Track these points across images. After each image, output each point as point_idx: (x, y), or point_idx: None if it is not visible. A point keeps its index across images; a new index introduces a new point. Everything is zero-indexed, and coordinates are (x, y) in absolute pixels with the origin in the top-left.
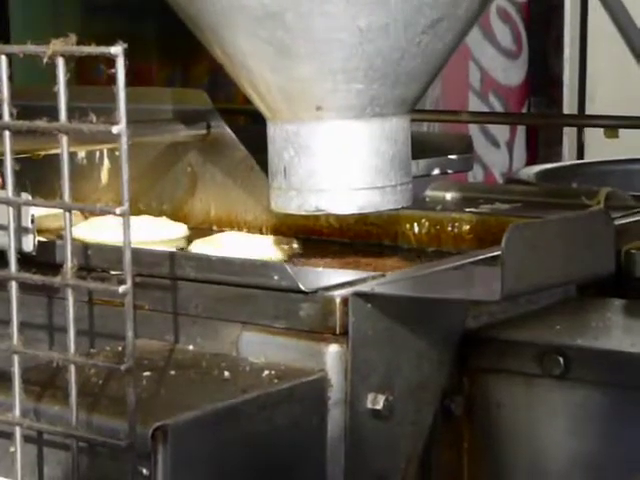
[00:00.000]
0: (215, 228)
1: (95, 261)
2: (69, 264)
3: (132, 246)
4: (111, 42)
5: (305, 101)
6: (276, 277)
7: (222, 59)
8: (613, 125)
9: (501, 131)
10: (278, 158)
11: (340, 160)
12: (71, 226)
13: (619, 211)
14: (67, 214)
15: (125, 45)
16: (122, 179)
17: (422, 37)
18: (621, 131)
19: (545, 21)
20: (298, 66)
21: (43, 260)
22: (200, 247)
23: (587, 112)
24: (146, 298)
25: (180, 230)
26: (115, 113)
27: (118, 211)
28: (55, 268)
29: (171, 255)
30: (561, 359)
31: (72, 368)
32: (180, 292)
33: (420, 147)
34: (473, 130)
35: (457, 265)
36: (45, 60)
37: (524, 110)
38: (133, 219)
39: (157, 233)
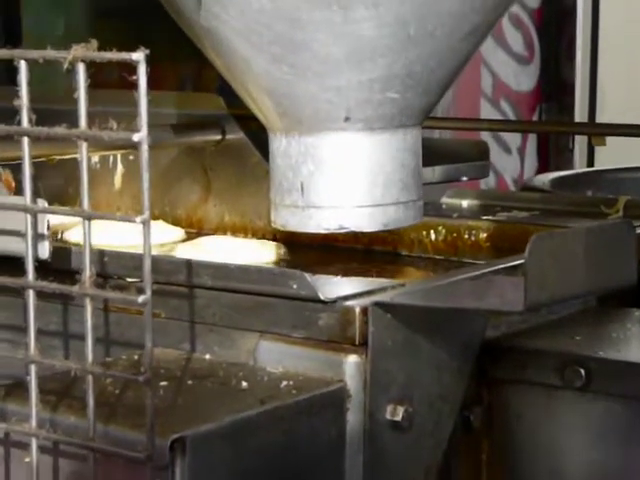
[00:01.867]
0: (229, 234)
1: (111, 268)
2: (88, 273)
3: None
4: (123, 46)
5: (333, 111)
6: (295, 286)
7: (224, 66)
8: (619, 133)
9: (513, 137)
10: (293, 173)
11: (365, 174)
12: (90, 234)
13: (638, 220)
14: (87, 223)
15: (147, 51)
16: (142, 187)
17: (461, 44)
18: (632, 143)
19: (557, 27)
20: (335, 74)
21: (58, 267)
22: (184, 251)
23: (597, 118)
24: (162, 306)
25: (176, 234)
26: (136, 120)
27: (139, 220)
28: (70, 275)
29: (188, 263)
30: (582, 371)
31: (90, 378)
32: (197, 300)
33: (436, 154)
34: (485, 136)
35: (477, 274)
36: (66, 66)
37: (535, 116)
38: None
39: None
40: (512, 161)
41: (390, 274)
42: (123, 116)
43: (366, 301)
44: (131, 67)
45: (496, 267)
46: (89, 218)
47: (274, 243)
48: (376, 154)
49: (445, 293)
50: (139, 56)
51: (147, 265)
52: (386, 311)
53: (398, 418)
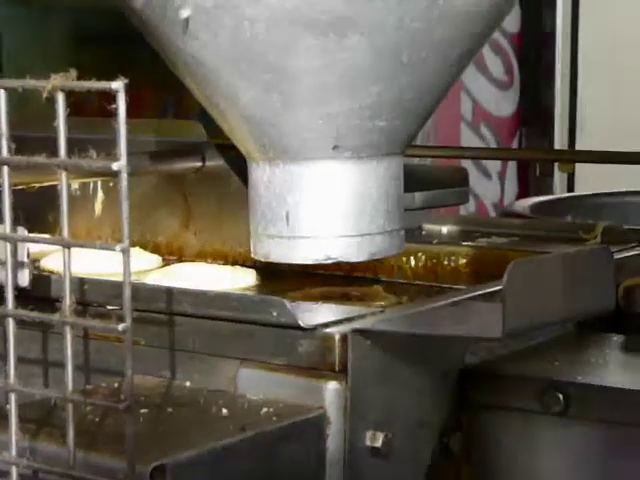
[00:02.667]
0: (210, 261)
1: (91, 296)
2: (68, 301)
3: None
4: (104, 72)
5: (322, 140)
6: (275, 313)
7: (206, 96)
8: (595, 160)
9: (493, 162)
10: (277, 203)
11: (352, 203)
12: (70, 263)
13: (616, 245)
14: (66, 251)
15: (126, 80)
16: (122, 216)
17: (450, 70)
18: (611, 169)
19: (536, 52)
20: (327, 101)
21: (38, 295)
22: (154, 279)
23: (577, 142)
24: (142, 334)
25: (152, 261)
26: (115, 149)
27: (118, 248)
28: (50, 302)
29: (168, 290)
30: (561, 396)
31: (70, 407)
32: (177, 328)
33: (416, 180)
34: (465, 161)
35: (456, 300)
36: (45, 95)
37: (515, 141)
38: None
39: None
40: (492, 186)
41: (370, 300)
42: (103, 144)
43: (346, 328)
44: (110, 95)
45: (475, 293)
46: (69, 246)
47: (248, 269)
48: (363, 183)
49: (424, 320)
50: (118, 85)
51: (127, 293)
52: (366, 338)
53: (378, 444)
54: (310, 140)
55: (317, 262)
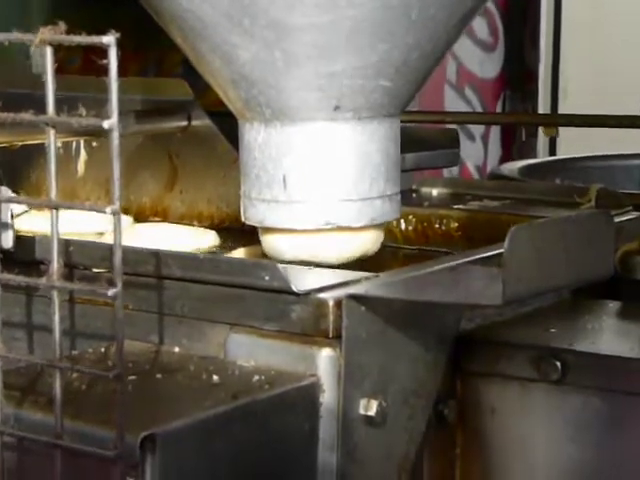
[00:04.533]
0: (196, 223)
1: (77, 258)
2: (55, 265)
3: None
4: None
5: (323, 100)
6: (267, 277)
7: (200, 54)
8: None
9: (476, 125)
10: (273, 165)
11: (353, 167)
12: (57, 224)
13: (611, 209)
14: (54, 212)
15: (118, 35)
16: (113, 176)
17: (454, 29)
18: (594, 131)
19: (522, 14)
20: (331, 59)
21: (22, 257)
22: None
23: (560, 104)
24: (130, 298)
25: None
26: (106, 106)
27: (109, 210)
28: (34, 265)
29: (156, 253)
30: (558, 363)
31: (57, 374)
32: (165, 291)
33: (406, 141)
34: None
35: (453, 265)
36: (32, 48)
37: (499, 103)
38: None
39: (94, 225)
40: (476, 149)
41: (361, 264)
42: (88, 102)
43: (340, 293)
44: (98, 51)
45: (471, 258)
46: (56, 207)
47: (208, 231)
48: (364, 145)
49: (421, 285)
50: (109, 40)
51: (117, 257)
52: (360, 303)
53: (372, 413)
54: (311, 100)
55: (316, 228)
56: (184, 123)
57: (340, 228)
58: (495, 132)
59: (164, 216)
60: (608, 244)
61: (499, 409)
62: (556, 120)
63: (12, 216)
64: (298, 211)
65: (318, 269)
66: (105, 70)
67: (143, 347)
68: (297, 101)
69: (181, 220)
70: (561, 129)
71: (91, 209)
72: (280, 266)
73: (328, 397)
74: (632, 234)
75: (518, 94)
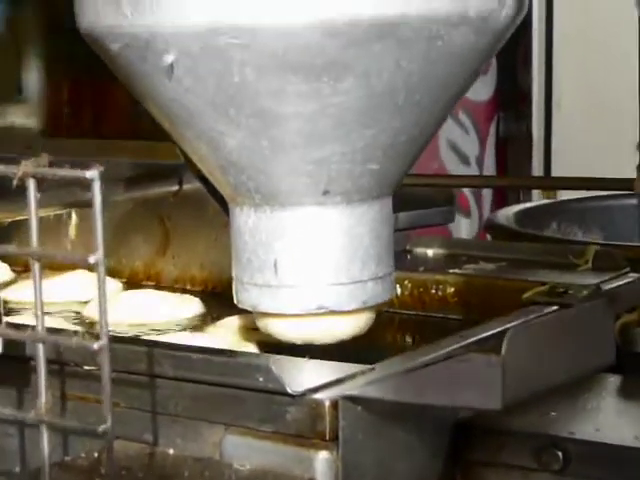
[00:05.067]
0: (189, 287)
1: (68, 355)
2: (43, 398)
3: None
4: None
5: (312, 185)
6: (261, 378)
7: (189, 141)
8: (576, 187)
9: (471, 147)
10: (264, 250)
11: (343, 250)
12: (40, 276)
13: (608, 272)
14: (36, 265)
15: (102, 168)
16: (95, 227)
17: (442, 111)
18: (589, 147)
19: (513, 36)
20: (318, 146)
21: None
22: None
23: (554, 117)
24: (121, 395)
25: (111, 287)
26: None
27: (92, 259)
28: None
29: (149, 352)
30: (560, 453)
31: None
32: (158, 390)
33: (399, 200)
34: (442, 145)
35: (449, 352)
36: (15, 183)
37: (493, 125)
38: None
39: (82, 292)
40: (470, 172)
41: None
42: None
43: (336, 393)
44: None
45: (468, 341)
46: (39, 258)
47: (193, 298)
48: (354, 228)
49: (418, 384)
50: (93, 174)
51: (102, 307)
52: (356, 403)
53: None
54: (299, 185)
55: (307, 312)
56: (175, 187)
57: (332, 312)
58: (490, 153)
59: (157, 280)
60: (608, 333)
61: None
62: (552, 183)
63: (0, 320)
64: (290, 296)
65: (312, 363)
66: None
67: (137, 449)
68: (286, 186)
69: (175, 284)
70: (555, 146)
71: (74, 259)
72: (274, 367)
73: None
74: (630, 299)
75: (512, 115)
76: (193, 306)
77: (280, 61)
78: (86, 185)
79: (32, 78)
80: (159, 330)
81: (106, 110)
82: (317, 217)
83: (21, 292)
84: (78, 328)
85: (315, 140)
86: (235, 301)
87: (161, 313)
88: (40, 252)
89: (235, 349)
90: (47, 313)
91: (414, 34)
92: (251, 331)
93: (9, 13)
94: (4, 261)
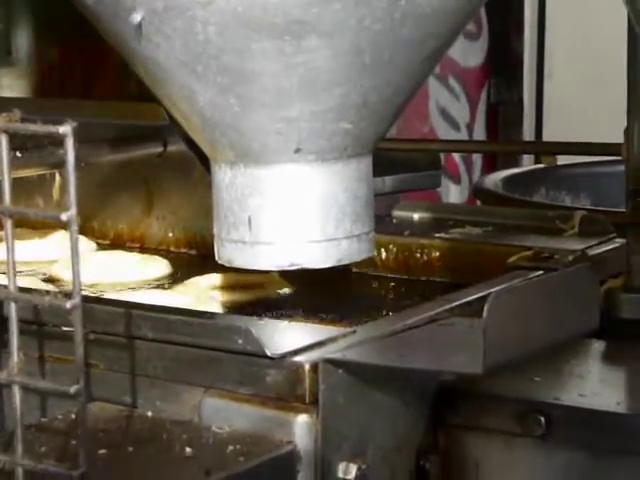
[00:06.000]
0: (173, 249)
1: (46, 316)
2: (15, 359)
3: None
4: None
5: (283, 143)
6: (240, 340)
7: (166, 96)
8: (565, 152)
9: (461, 113)
10: (239, 207)
11: (317, 208)
12: (12, 234)
13: (594, 237)
14: (9, 222)
15: (75, 124)
16: (68, 184)
17: (418, 69)
18: (580, 113)
19: (506, 2)
20: (287, 105)
21: None
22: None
23: (545, 89)
24: (101, 357)
25: (84, 247)
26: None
27: (64, 216)
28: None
29: (127, 313)
30: (542, 419)
31: (20, 471)
32: (137, 352)
33: (386, 164)
34: (432, 111)
35: (433, 316)
36: None
37: (484, 91)
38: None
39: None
40: (461, 138)
41: (339, 297)
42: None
43: (316, 355)
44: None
45: (452, 304)
46: (11, 215)
47: (161, 259)
48: (328, 186)
49: (399, 348)
50: (66, 129)
51: (75, 266)
52: (337, 367)
53: (351, 477)
54: (271, 143)
55: (281, 268)
56: (160, 149)
57: None
58: (480, 119)
59: (141, 242)
60: (592, 299)
61: (483, 464)
62: (540, 148)
63: None
64: (263, 252)
65: (293, 325)
66: None
67: (115, 412)
68: (258, 144)
69: (159, 246)
70: (547, 107)
71: (46, 216)
72: (253, 329)
73: (305, 463)
74: (615, 265)
75: (503, 81)
76: (161, 266)
77: (242, 20)
78: (60, 142)
79: (22, 41)
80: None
81: (95, 71)
82: (290, 175)
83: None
84: (46, 286)
85: (283, 98)
86: (216, 257)
87: (129, 273)
88: (12, 209)
89: (198, 308)
90: (18, 272)
91: None
92: (212, 291)
93: None
94: None
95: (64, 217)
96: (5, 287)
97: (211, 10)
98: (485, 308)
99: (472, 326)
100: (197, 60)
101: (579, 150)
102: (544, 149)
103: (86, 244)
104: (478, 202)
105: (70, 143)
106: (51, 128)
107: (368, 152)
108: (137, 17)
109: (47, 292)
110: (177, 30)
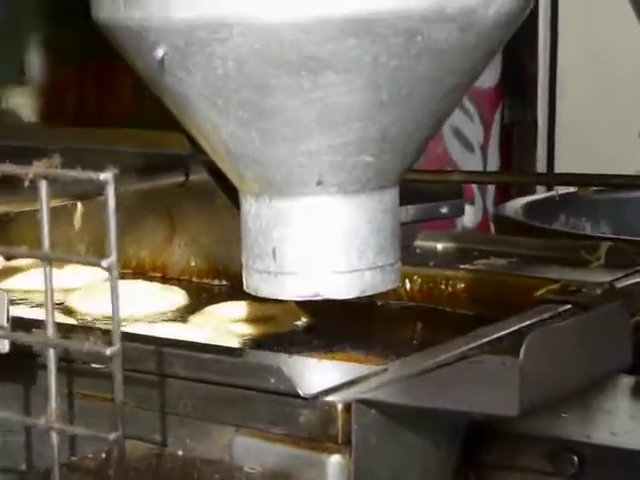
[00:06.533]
0: (195, 279)
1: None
2: (53, 404)
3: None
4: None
5: (305, 176)
6: (272, 380)
7: (192, 127)
8: (580, 183)
9: (475, 134)
10: (264, 238)
11: (340, 239)
12: (51, 278)
13: (622, 269)
14: (47, 268)
15: (116, 171)
16: (109, 230)
17: (438, 105)
18: (593, 135)
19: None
20: (307, 139)
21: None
22: (82, 294)
23: (558, 107)
24: (130, 395)
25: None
26: (105, 243)
27: (104, 264)
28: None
29: (158, 350)
30: (575, 457)
31: None
32: (167, 390)
33: (408, 193)
34: (447, 133)
35: (463, 352)
36: (27, 183)
37: (498, 112)
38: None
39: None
40: (474, 159)
41: (364, 330)
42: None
43: (348, 395)
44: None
45: (482, 340)
46: (50, 261)
47: (179, 290)
48: (351, 218)
49: (432, 388)
50: (107, 177)
51: (115, 312)
52: (370, 406)
53: None
54: (293, 176)
55: (305, 299)
56: (182, 178)
57: None
58: (494, 141)
59: (163, 271)
60: (625, 336)
61: None
62: (556, 179)
63: (8, 319)
64: (288, 282)
65: (324, 363)
66: None
67: (146, 450)
68: (281, 177)
69: (181, 275)
70: (558, 135)
71: (86, 262)
72: (284, 368)
73: None
74: None
75: (517, 102)
76: (179, 297)
77: (259, 56)
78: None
79: (35, 61)
80: (142, 321)
81: (110, 93)
82: (313, 207)
83: (23, 280)
84: (65, 319)
85: (303, 132)
86: (244, 286)
87: (146, 305)
88: (51, 255)
89: (216, 342)
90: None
91: (389, 30)
92: (230, 323)
93: None
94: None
95: (104, 264)
96: (43, 331)
97: (229, 46)
98: (522, 346)
99: (504, 364)
100: (218, 94)
101: (595, 181)
102: (558, 180)
103: (103, 273)
104: (491, 224)
105: (111, 190)
106: (92, 175)
107: (393, 184)
108: (160, 52)
109: (87, 337)
110: (198, 65)
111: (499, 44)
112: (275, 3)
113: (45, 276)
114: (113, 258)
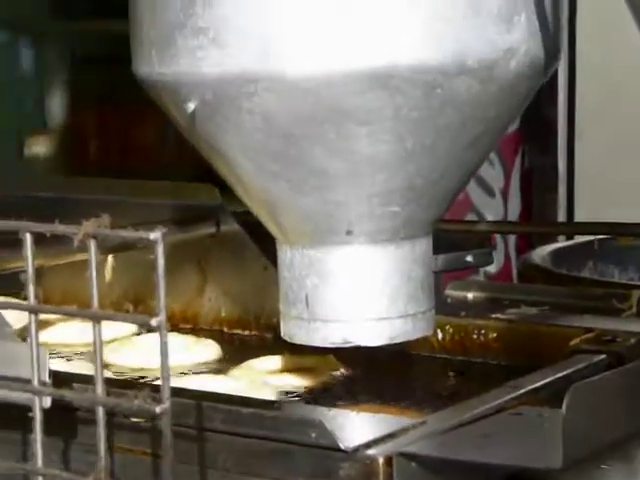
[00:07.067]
0: (226, 330)
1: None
2: (103, 463)
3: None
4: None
5: (334, 225)
6: (313, 434)
7: (229, 176)
8: (602, 232)
9: (495, 178)
10: (298, 285)
11: (370, 288)
12: (100, 337)
13: None
14: (96, 326)
15: (165, 230)
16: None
17: (464, 154)
18: (612, 179)
19: None
20: (333, 189)
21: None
22: (113, 348)
23: (576, 150)
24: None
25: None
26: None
27: (154, 322)
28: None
29: (198, 405)
30: None
31: None
32: (207, 444)
33: (436, 243)
34: None
35: (501, 404)
36: (76, 243)
37: (518, 157)
38: None
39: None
40: (495, 204)
41: (399, 381)
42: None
43: (389, 448)
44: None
45: (519, 392)
46: (99, 320)
47: (212, 343)
48: (381, 267)
49: (471, 442)
50: (157, 236)
51: (165, 370)
52: (410, 460)
53: None
54: (323, 225)
55: (335, 345)
56: (213, 230)
57: None
58: (515, 185)
59: (194, 322)
60: None
61: None
62: (577, 229)
63: (50, 374)
64: (319, 329)
65: (363, 416)
66: None
67: None
68: (311, 226)
69: (212, 326)
70: (578, 176)
71: (135, 321)
72: (326, 422)
73: None
74: None
75: (537, 147)
76: (211, 350)
77: (284, 109)
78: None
79: (57, 111)
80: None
81: (131, 137)
82: (344, 255)
83: (54, 333)
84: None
85: (330, 183)
86: (281, 333)
87: (177, 357)
88: (100, 314)
89: (253, 394)
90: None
91: (408, 84)
92: (267, 375)
93: (35, 48)
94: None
95: (154, 323)
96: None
97: (256, 101)
98: (565, 400)
99: (541, 416)
100: (248, 146)
101: (617, 230)
102: (579, 230)
103: (134, 326)
104: (514, 270)
105: (160, 249)
106: (142, 234)
107: (424, 234)
108: (191, 106)
109: (135, 395)
110: (227, 118)
111: (527, 93)
112: (297, 59)
113: (94, 334)
114: (162, 317)
